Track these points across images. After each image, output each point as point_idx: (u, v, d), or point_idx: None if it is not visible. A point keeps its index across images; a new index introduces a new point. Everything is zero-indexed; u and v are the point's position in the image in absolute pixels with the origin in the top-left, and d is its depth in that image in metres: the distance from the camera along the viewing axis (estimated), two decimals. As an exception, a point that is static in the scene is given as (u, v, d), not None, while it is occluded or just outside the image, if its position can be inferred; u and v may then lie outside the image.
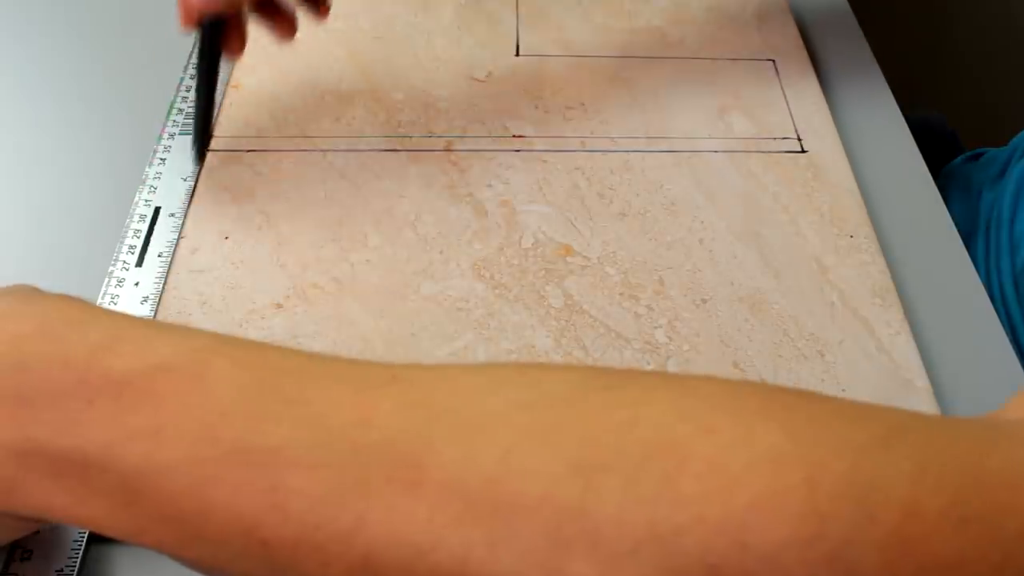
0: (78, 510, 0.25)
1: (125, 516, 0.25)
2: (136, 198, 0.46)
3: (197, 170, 0.47)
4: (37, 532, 0.33)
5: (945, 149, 0.65)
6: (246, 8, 0.46)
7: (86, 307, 0.28)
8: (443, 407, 0.24)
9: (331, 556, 0.23)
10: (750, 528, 0.20)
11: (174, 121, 0.50)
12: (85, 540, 0.33)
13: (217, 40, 0.45)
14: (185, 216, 0.45)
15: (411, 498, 0.22)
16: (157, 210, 0.45)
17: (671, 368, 0.39)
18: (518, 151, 0.49)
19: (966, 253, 0.46)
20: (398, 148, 0.49)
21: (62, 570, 0.32)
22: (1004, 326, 0.43)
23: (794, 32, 0.57)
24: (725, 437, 0.22)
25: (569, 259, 0.44)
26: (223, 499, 0.24)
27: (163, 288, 0.42)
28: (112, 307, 0.41)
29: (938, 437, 0.22)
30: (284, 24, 0.48)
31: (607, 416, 0.23)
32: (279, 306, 0.41)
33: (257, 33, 0.55)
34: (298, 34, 0.56)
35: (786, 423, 0.22)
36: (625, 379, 0.25)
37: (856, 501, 0.20)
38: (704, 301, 0.42)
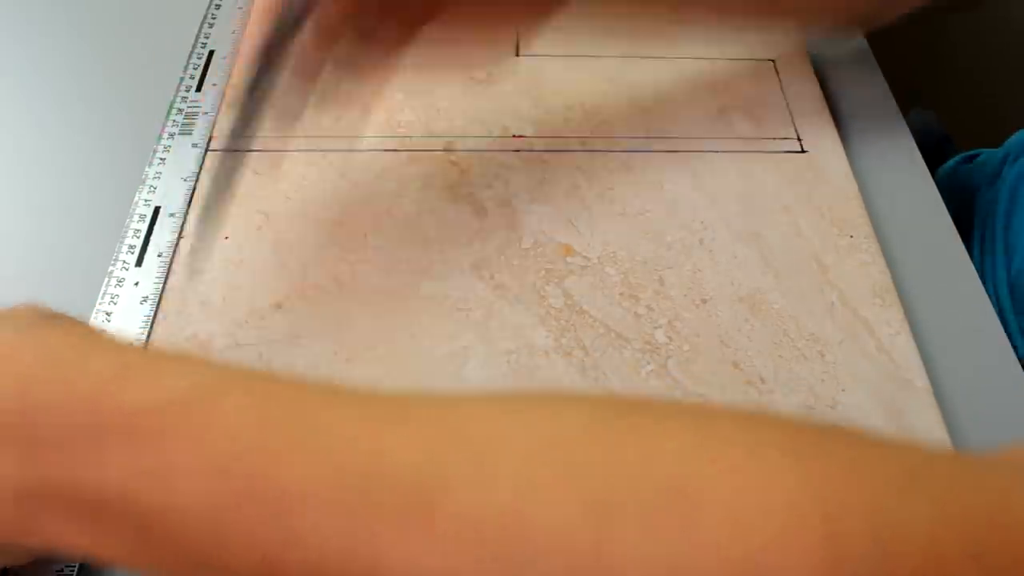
0: (95, 549, 0.25)
1: (143, 553, 0.25)
2: (136, 198, 0.46)
3: (197, 170, 0.47)
4: None
5: (939, 151, 0.65)
6: None
7: (90, 336, 0.28)
8: (457, 443, 0.24)
9: None
10: (768, 569, 0.20)
11: (174, 121, 0.50)
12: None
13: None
14: (185, 216, 0.45)
15: (425, 535, 0.22)
16: (157, 210, 0.45)
17: (671, 368, 0.39)
18: (518, 151, 0.49)
19: (966, 253, 0.46)
20: (398, 148, 0.49)
21: (62, 570, 0.32)
22: None
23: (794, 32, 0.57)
24: (742, 476, 0.21)
25: (569, 259, 0.44)
26: (239, 536, 0.23)
27: (163, 288, 0.42)
28: (112, 306, 0.41)
29: (959, 478, 0.22)
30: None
31: (622, 453, 0.23)
32: (279, 306, 0.41)
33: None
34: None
35: (804, 462, 0.22)
36: (641, 412, 0.24)
37: (875, 541, 0.20)
38: (704, 301, 0.42)
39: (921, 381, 0.39)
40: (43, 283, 0.43)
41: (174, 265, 0.43)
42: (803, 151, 0.50)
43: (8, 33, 0.58)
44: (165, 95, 0.52)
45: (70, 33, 0.58)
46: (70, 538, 0.25)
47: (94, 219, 0.46)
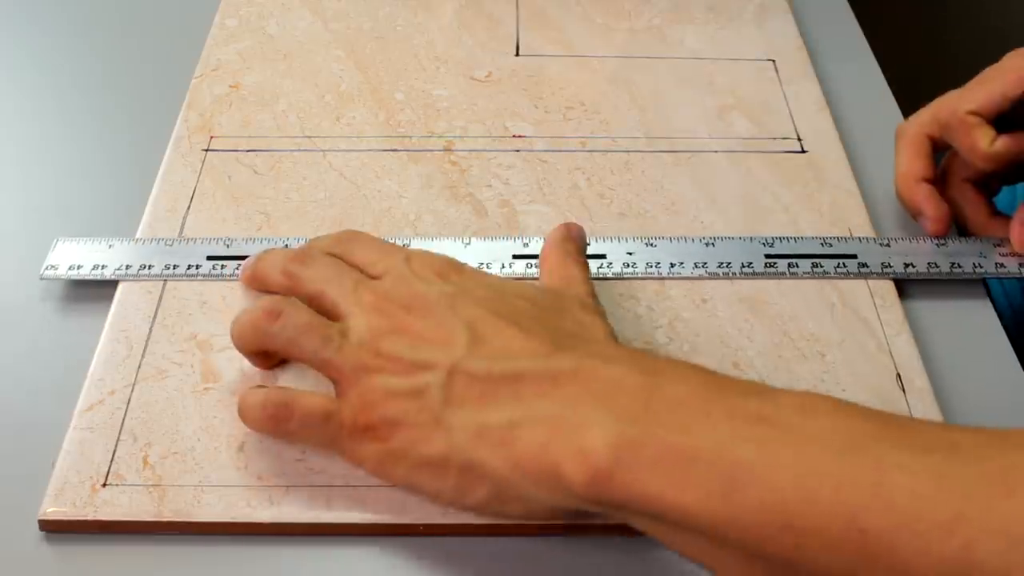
0: (672, 497, 0.28)
1: (720, 505, 0.27)
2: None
3: (197, 170, 0.47)
4: None
5: None
6: None
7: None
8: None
9: (931, 543, 0.25)
10: None
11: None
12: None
13: None
14: (185, 216, 0.45)
15: (1008, 500, 0.25)
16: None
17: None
18: (518, 151, 0.49)
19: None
20: (398, 148, 0.49)
21: None
22: None
23: (794, 32, 0.57)
24: None
25: (569, 259, 0.44)
26: (827, 492, 0.26)
27: (163, 288, 0.42)
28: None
29: None
30: None
31: None
32: (279, 306, 0.41)
33: (255, 36, 0.55)
34: (298, 34, 0.56)
35: None
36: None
37: None
38: (704, 301, 0.42)
39: (921, 381, 0.39)
40: (45, 283, 0.43)
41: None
42: (803, 151, 0.50)
43: (13, 36, 0.58)
44: (169, 96, 0.52)
45: (73, 34, 0.58)
46: (651, 486, 0.28)
47: (96, 220, 0.46)
